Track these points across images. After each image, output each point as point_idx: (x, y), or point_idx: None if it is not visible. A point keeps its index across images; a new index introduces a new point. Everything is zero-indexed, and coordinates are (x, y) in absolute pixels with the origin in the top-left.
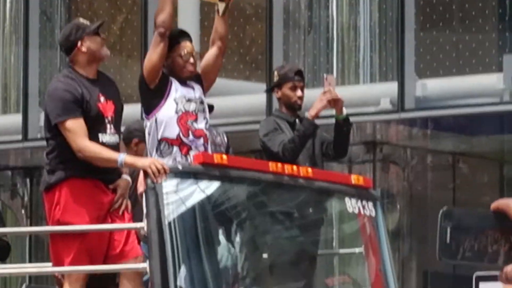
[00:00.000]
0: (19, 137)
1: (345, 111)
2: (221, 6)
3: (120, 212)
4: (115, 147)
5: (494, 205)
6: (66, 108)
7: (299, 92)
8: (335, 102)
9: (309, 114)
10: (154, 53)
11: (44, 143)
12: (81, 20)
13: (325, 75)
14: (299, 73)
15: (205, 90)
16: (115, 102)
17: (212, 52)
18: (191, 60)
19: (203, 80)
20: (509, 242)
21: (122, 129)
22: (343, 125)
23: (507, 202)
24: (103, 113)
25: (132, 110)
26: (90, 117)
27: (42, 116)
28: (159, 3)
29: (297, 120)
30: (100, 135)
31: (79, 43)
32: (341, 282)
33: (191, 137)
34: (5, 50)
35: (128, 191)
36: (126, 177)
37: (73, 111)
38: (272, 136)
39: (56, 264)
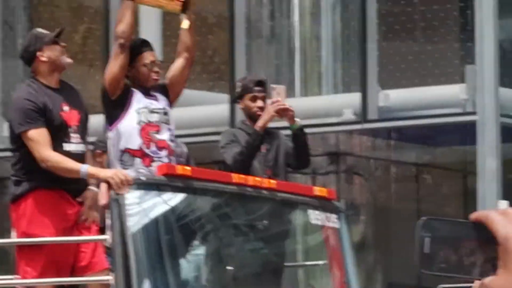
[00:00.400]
0: None
1: (298, 120)
2: (183, 18)
3: (87, 223)
4: (80, 157)
5: (473, 215)
6: (28, 118)
7: (259, 103)
8: (284, 112)
9: (256, 125)
10: (114, 64)
11: (8, 153)
12: (39, 30)
13: (272, 86)
14: (260, 83)
15: (171, 102)
16: (79, 111)
17: (178, 63)
18: (155, 68)
19: (169, 92)
20: (486, 254)
21: (92, 139)
22: (298, 135)
23: (487, 213)
24: (67, 122)
25: (95, 120)
26: (54, 126)
27: (5, 127)
28: (118, 13)
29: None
30: (64, 144)
31: (38, 53)
32: None
33: (153, 148)
34: None
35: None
36: (93, 188)
37: (35, 121)
38: (227, 148)
39: (23, 276)
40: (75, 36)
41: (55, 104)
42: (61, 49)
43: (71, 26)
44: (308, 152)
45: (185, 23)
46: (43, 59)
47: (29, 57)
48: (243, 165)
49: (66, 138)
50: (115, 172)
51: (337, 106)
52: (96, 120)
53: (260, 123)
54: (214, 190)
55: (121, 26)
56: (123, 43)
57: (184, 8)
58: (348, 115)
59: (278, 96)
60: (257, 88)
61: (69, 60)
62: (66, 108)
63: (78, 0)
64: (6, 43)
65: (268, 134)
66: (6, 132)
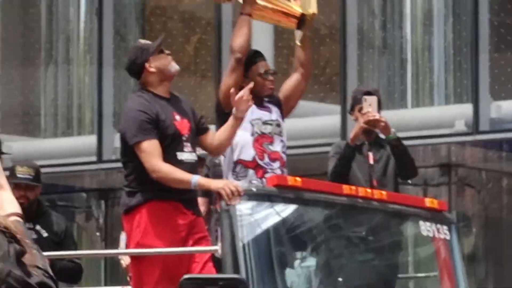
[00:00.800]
0: (94, 158)
1: (393, 131)
2: (298, 34)
3: None
4: (193, 165)
5: None
6: (142, 129)
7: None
8: (375, 123)
9: (349, 137)
10: (230, 78)
11: (118, 164)
12: (142, 41)
13: (364, 97)
14: (369, 94)
15: (284, 115)
16: (189, 120)
17: (294, 77)
18: (270, 77)
19: (283, 105)
20: None
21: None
22: (395, 146)
23: None
24: (180, 131)
25: None
26: (167, 135)
27: (117, 137)
28: (235, 27)
29: (365, 142)
30: (178, 153)
31: (146, 65)
32: None
33: (266, 160)
34: (79, 71)
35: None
36: None
37: (148, 132)
38: (331, 160)
39: (137, 286)
40: (187, 47)
41: (168, 114)
42: (167, 56)
43: (183, 37)
44: (410, 162)
45: (299, 39)
46: (152, 69)
47: (137, 70)
48: (338, 176)
49: (179, 147)
50: (226, 183)
51: (448, 117)
52: None
53: (351, 135)
54: (325, 201)
55: (238, 40)
56: (240, 57)
57: (299, 25)
58: (460, 126)
59: (369, 108)
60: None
61: (177, 67)
62: (178, 117)
63: (190, 11)
64: (118, 54)
65: (379, 145)
66: (118, 143)
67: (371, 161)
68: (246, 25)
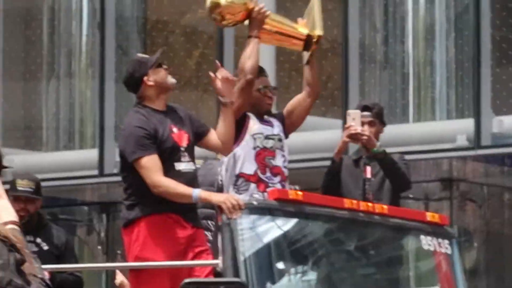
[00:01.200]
0: (95, 172)
1: (378, 145)
2: (305, 55)
3: None
4: (192, 175)
5: None
6: (141, 145)
7: (365, 128)
8: (357, 137)
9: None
10: (239, 99)
11: (120, 178)
12: (141, 55)
13: (348, 111)
14: (366, 108)
15: (287, 131)
16: (187, 131)
17: (300, 95)
18: (268, 93)
19: (286, 121)
20: None
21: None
22: (381, 160)
23: None
24: (177, 143)
25: None
26: (166, 148)
27: (118, 151)
28: (245, 50)
29: (363, 156)
30: (175, 163)
31: (145, 78)
32: None
33: (268, 174)
34: (81, 85)
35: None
36: None
37: (147, 148)
38: None
39: None
40: (189, 61)
41: (165, 127)
42: (165, 70)
43: (185, 51)
44: (400, 174)
45: (305, 60)
46: (150, 83)
47: (135, 84)
48: (326, 191)
49: (177, 158)
50: (227, 197)
51: (450, 132)
52: None
53: (335, 150)
54: (326, 215)
55: (249, 62)
56: (252, 78)
57: (306, 46)
58: (462, 141)
59: (352, 122)
60: (363, 113)
61: (173, 80)
62: (175, 129)
63: (192, 25)
64: (120, 68)
65: (378, 159)
66: (118, 157)
67: (368, 175)
68: (256, 47)
